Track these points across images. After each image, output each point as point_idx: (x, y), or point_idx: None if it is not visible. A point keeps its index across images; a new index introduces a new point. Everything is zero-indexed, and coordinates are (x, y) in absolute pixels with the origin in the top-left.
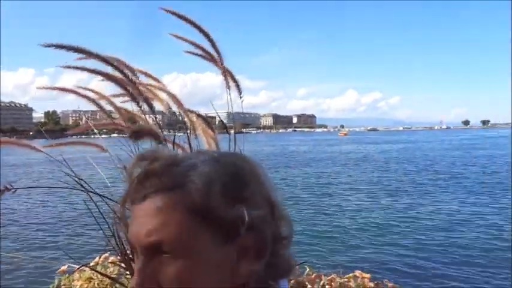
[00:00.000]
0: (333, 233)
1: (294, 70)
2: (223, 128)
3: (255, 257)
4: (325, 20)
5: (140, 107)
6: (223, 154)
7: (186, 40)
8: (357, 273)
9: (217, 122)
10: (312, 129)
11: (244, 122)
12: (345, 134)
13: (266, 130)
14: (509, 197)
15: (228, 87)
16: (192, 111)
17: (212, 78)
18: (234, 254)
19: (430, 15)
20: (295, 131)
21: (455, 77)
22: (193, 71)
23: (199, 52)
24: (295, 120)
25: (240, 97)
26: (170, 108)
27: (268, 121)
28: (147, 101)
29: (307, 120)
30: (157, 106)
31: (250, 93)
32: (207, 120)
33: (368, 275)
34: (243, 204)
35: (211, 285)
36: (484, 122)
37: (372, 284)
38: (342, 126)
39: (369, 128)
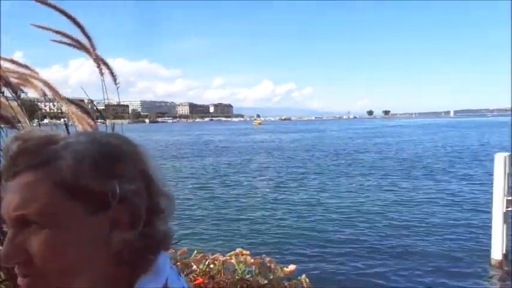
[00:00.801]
0: (239, 221)
1: (210, 59)
2: (137, 116)
3: (128, 228)
4: (244, 12)
5: (2, 93)
6: (103, 135)
7: (51, 30)
8: (238, 251)
9: (130, 111)
10: (229, 119)
11: (159, 111)
12: (260, 124)
13: (183, 119)
14: (395, 177)
15: (102, 74)
16: (66, 99)
17: (125, 64)
18: (106, 225)
19: (339, 10)
20: (212, 120)
21: (360, 70)
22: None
23: (68, 41)
24: (212, 109)
25: (115, 84)
26: (45, 95)
27: (185, 110)
28: (11, 87)
29: (224, 110)
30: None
31: (166, 81)
32: (85, 109)
33: (247, 252)
34: (114, 179)
35: (84, 254)
36: (386, 112)
37: (252, 260)
38: (258, 116)
39: (283, 118)
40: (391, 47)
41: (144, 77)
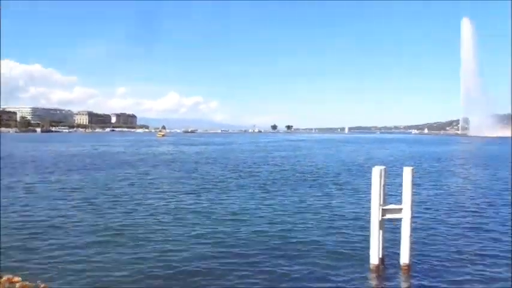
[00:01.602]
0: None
1: (113, 67)
2: (26, 125)
3: None
4: (145, 20)
5: None
6: None
7: None
8: (6, 278)
9: (18, 119)
10: (132, 130)
11: (53, 119)
12: (163, 135)
13: (80, 129)
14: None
15: None
16: None
17: (13, 66)
18: None
19: (245, 28)
20: (113, 130)
21: (267, 86)
22: None
23: None
24: (114, 119)
25: None
26: None
27: (84, 119)
28: None
29: (127, 120)
30: None
31: (63, 88)
32: None
33: (18, 279)
34: None
35: None
36: (289, 127)
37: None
38: (164, 127)
39: (190, 130)
40: (295, 67)
41: (38, 82)
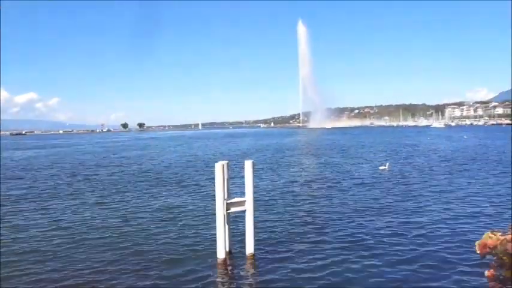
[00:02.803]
0: None
1: None
2: None
3: None
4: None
5: None
6: None
7: None
8: None
9: None
10: None
11: None
12: None
13: None
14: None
15: None
16: None
17: None
18: None
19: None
20: None
21: (113, 83)
22: None
23: None
24: None
25: None
26: None
27: None
28: None
29: None
30: None
31: None
32: None
33: None
34: None
35: None
36: (141, 125)
37: None
38: None
39: (24, 132)
40: (146, 64)
41: None
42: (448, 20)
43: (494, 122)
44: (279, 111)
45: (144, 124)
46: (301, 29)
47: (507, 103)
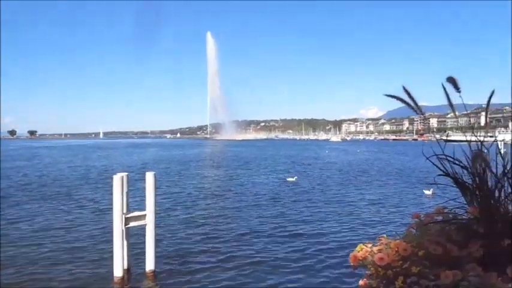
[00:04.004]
0: None
1: None
2: None
3: None
4: None
5: None
6: None
7: None
8: None
9: None
10: None
11: None
12: None
13: None
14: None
15: None
16: None
17: None
18: None
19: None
20: None
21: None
22: None
23: None
24: None
25: None
26: None
27: None
28: None
29: None
30: None
31: None
32: None
33: None
34: None
35: None
36: (32, 133)
37: None
38: None
39: None
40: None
41: None
42: (341, 49)
43: (383, 138)
44: (186, 122)
45: (35, 132)
46: (210, 41)
47: (393, 121)
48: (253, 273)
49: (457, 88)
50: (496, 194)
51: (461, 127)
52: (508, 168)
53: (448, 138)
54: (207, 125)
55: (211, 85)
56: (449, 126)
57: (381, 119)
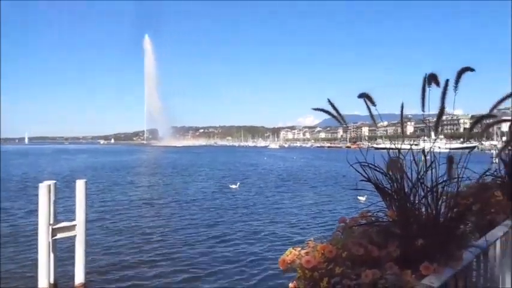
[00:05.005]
0: None
1: None
2: None
3: None
4: None
5: None
6: None
7: None
8: None
9: None
10: None
11: None
12: None
13: None
14: None
15: None
16: None
17: None
18: None
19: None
20: None
21: None
22: None
23: None
24: None
25: None
26: None
27: None
28: None
29: None
30: None
31: None
32: None
33: None
34: None
35: None
36: None
37: None
38: None
39: None
40: None
41: None
42: (279, 57)
43: (319, 145)
44: (121, 127)
45: None
46: (148, 45)
47: (328, 128)
48: (187, 280)
49: (372, 102)
50: (412, 198)
51: (388, 136)
52: (421, 174)
53: (378, 146)
54: (143, 131)
55: (149, 90)
56: (379, 134)
57: (317, 127)
